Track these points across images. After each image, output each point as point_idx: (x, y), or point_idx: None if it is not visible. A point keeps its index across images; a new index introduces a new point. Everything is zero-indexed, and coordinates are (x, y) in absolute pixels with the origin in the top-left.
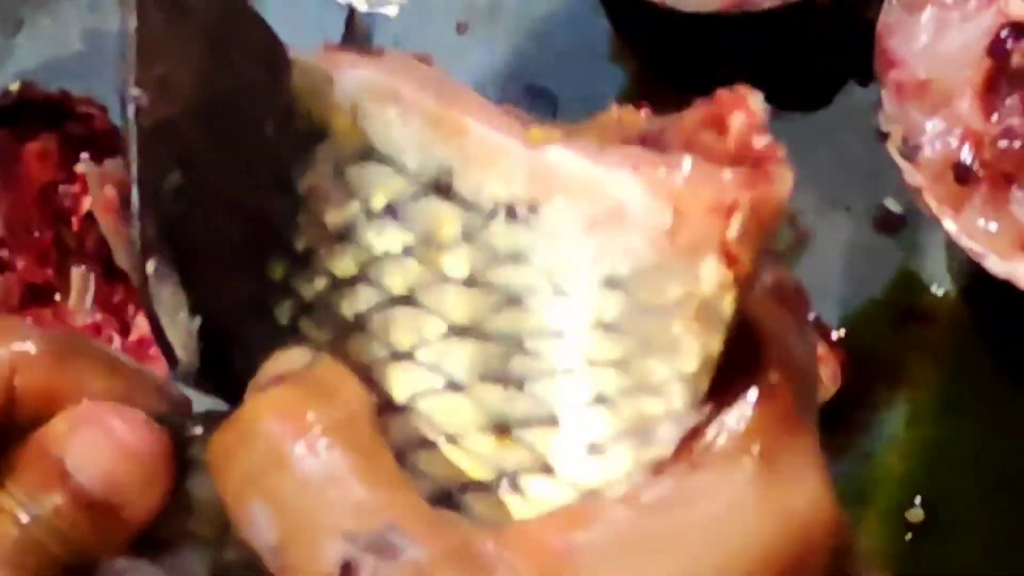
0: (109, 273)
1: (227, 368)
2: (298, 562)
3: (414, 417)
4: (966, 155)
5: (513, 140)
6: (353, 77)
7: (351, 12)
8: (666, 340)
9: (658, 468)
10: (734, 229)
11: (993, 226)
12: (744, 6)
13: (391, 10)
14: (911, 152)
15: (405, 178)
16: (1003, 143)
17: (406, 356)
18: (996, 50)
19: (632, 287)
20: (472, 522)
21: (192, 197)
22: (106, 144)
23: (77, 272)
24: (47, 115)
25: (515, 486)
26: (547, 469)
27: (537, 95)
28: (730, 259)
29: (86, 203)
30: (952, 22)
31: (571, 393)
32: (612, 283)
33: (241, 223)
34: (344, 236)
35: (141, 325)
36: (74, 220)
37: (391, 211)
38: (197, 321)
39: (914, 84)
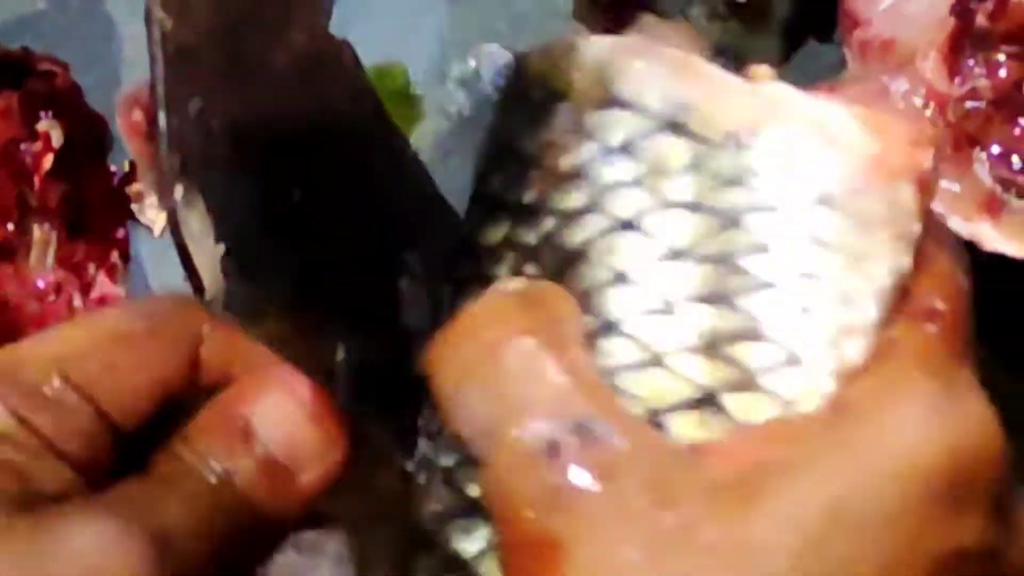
0: (71, 231)
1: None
2: (506, 440)
3: (626, 338)
4: (930, 115)
5: (741, 78)
6: (598, 42)
7: None
8: (867, 255)
9: (848, 378)
10: (928, 160)
11: (956, 187)
12: None
13: None
14: None
15: (644, 117)
16: (967, 104)
17: (625, 279)
18: (960, 10)
19: (842, 205)
20: (672, 441)
21: (215, 124)
22: (68, 102)
23: (39, 230)
24: (9, 73)
25: (718, 405)
26: (750, 384)
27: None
28: (923, 187)
29: (48, 161)
30: None
31: (777, 306)
32: (825, 201)
33: (258, 155)
34: (577, 175)
35: (102, 284)
36: (36, 178)
37: (625, 148)
38: (221, 248)
39: (878, 44)
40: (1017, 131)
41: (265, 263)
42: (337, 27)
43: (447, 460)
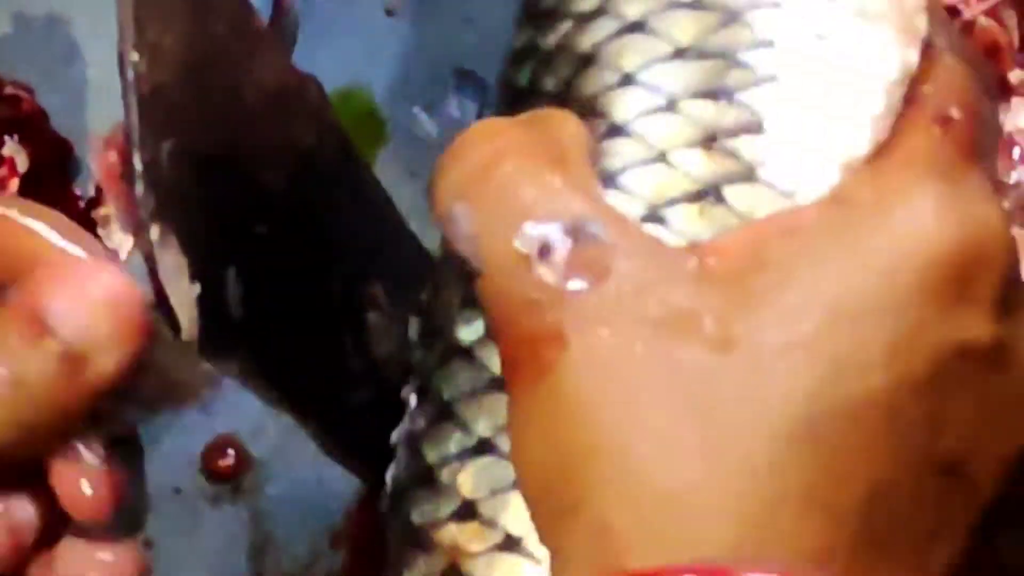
0: None
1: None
2: (499, 246)
3: (631, 137)
4: None
5: None
6: None
7: None
8: (871, 48)
9: (851, 170)
10: None
11: None
12: None
13: None
14: None
15: None
16: None
17: (631, 79)
18: None
19: (842, 1)
20: (672, 235)
21: (186, 164)
22: (33, 127)
23: None
24: None
25: (719, 197)
26: (749, 175)
27: (465, 78)
28: None
29: (13, 186)
30: None
31: (779, 99)
32: None
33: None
34: None
35: None
36: None
37: None
38: (197, 288)
39: None
40: None
41: (237, 300)
42: (302, 51)
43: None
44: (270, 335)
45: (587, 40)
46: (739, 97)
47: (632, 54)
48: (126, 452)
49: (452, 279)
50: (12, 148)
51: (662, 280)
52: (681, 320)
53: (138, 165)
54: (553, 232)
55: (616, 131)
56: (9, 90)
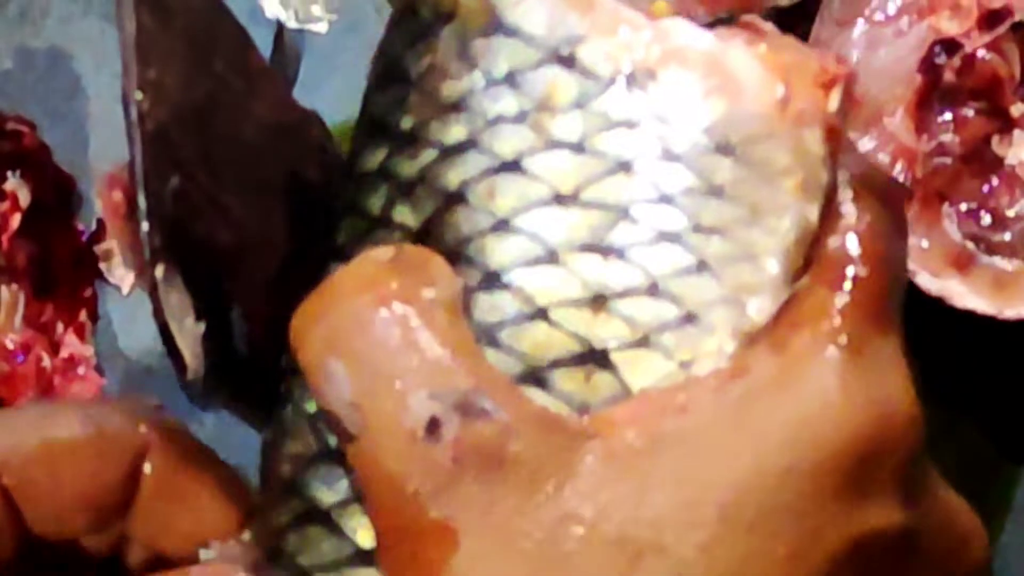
0: (38, 291)
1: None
2: (381, 416)
3: (508, 290)
4: (898, 172)
5: (637, 12)
6: None
7: (280, 28)
8: (769, 207)
9: (749, 339)
10: (834, 102)
11: (925, 243)
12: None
13: (320, 27)
14: None
15: (531, 47)
16: (935, 160)
17: (507, 225)
18: (928, 66)
19: (742, 153)
20: (556, 400)
21: (189, 202)
22: (35, 161)
23: (7, 291)
24: None
25: (606, 362)
26: (642, 341)
27: None
28: (830, 132)
29: (15, 221)
30: (884, 38)
31: (673, 260)
32: (723, 149)
33: (235, 228)
34: (459, 106)
35: (70, 344)
36: (3, 238)
37: (510, 79)
38: (202, 326)
39: None
40: (986, 187)
41: (242, 338)
42: (306, 86)
43: (312, 406)
44: (273, 372)
45: (454, 176)
46: (630, 255)
47: (506, 196)
48: None
49: (302, 424)
50: (14, 183)
51: (559, 471)
52: (579, 522)
53: (142, 204)
54: (441, 405)
55: (492, 281)
56: (11, 125)
